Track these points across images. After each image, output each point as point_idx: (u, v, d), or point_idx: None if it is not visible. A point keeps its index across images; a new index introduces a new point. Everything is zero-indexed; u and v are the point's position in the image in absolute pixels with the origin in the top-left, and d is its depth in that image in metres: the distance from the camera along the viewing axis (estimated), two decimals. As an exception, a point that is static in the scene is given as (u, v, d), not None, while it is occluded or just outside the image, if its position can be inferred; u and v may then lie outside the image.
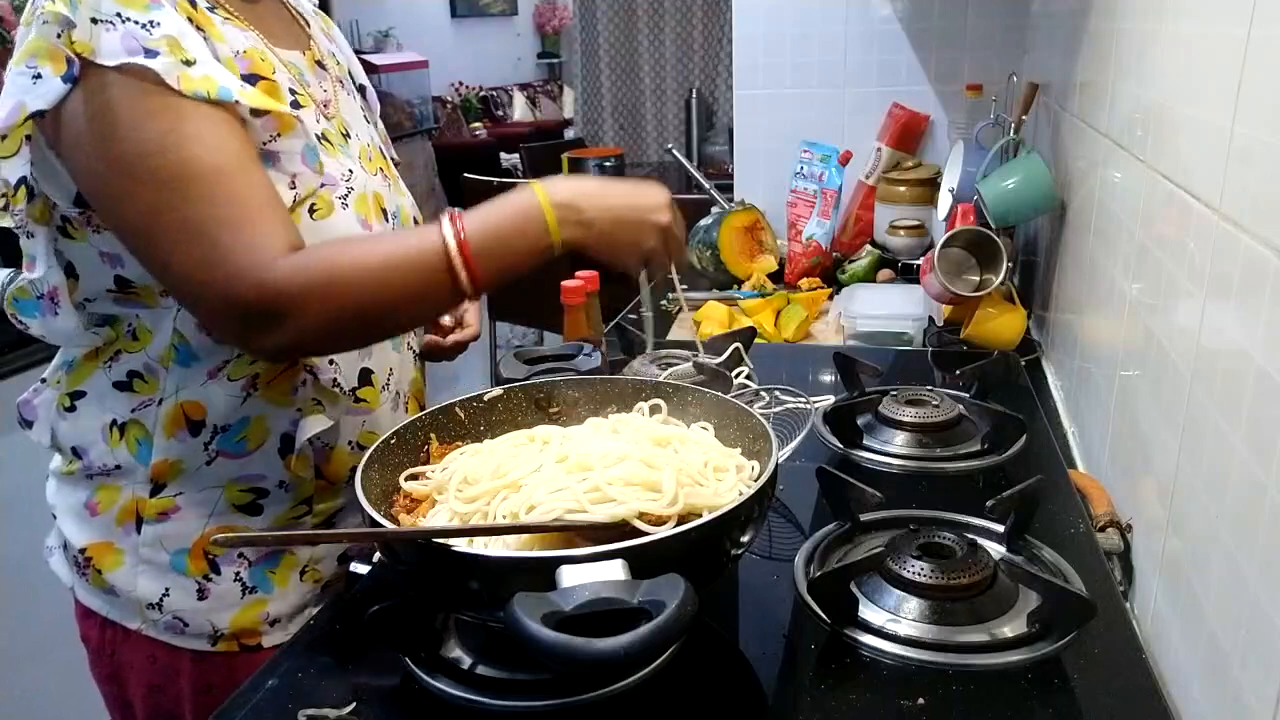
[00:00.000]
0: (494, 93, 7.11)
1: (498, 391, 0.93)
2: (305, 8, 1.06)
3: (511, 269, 0.85)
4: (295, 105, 0.89)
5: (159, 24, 0.78)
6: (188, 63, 0.79)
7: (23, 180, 0.80)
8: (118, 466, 0.92)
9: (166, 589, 0.92)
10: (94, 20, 0.76)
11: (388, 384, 1.02)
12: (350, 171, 0.94)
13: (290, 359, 0.91)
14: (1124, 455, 1.01)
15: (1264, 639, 0.61)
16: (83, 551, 0.94)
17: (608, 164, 3.74)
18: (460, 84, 6.90)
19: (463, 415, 0.92)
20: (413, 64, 6.43)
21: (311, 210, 0.89)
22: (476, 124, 6.84)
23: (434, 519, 0.77)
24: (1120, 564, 0.94)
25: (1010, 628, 0.78)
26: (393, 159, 1.16)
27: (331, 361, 0.93)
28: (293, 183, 0.86)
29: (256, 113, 0.83)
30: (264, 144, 0.85)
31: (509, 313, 3.66)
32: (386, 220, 0.99)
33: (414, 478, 0.84)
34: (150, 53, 0.77)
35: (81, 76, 0.76)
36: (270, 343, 0.81)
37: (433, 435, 0.89)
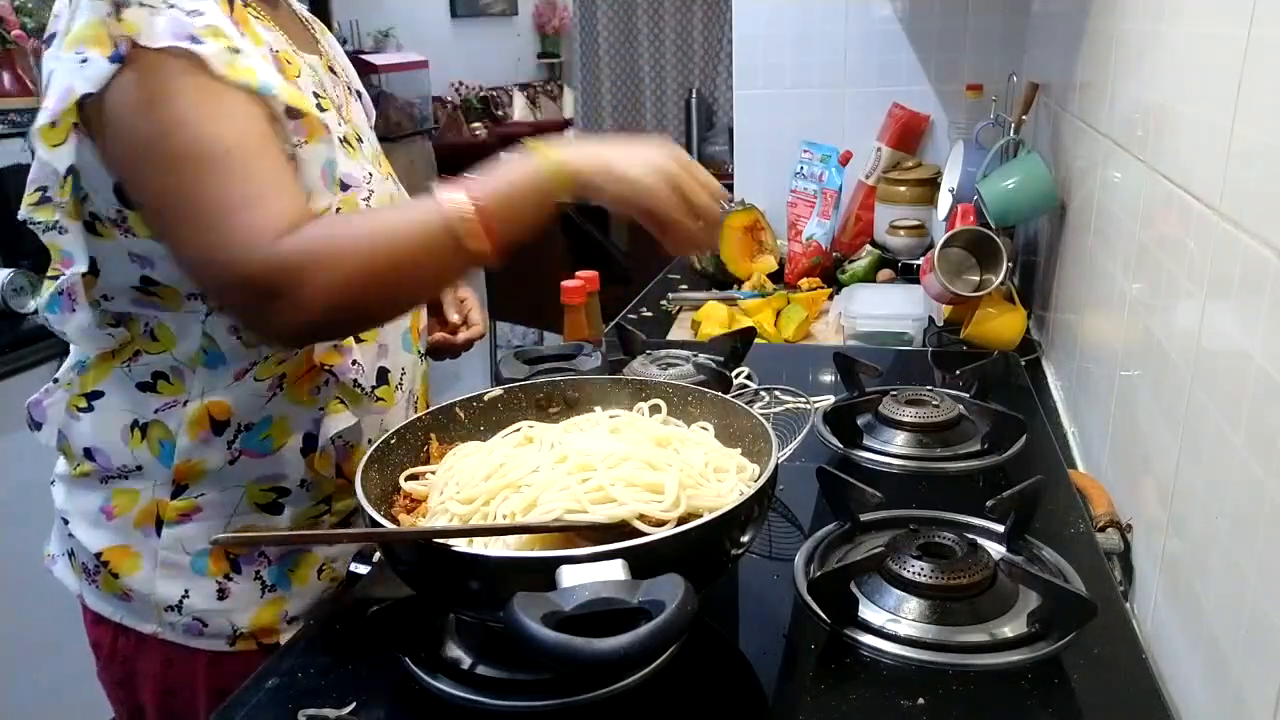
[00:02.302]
0: (494, 93, 7.11)
1: (498, 391, 0.93)
2: (307, 15, 1.06)
3: (520, 235, 0.83)
4: (319, 109, 0.89)
5: (203, 13, 0.79)
6: (233, 50, 0.79)
7: (71, 170, 0.80)
8: (138, 468, 0.92)
9: (186, 590, 0.92)
10: (141, 3, 0.76)
11: (401, 384, 1.02)
12: (370, 174, 0.95)
13: (304, 341, 0.89)
14: (1124, 455, 1.01)
15: (1264, 639, 0.61)
16: (98, 556, 0.93)
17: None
18: (460, 84, 6.90)
19: (463, 415, 0.92)
20: (413, 64, 6.43)
21: (337, 213, 0.89)
22: (476, 124, 6.84)
23: (434, 519, 0.77)
24: (1120, 564, 0.94)
25: (1010, 628, 0.78)
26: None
27: (355, 362, 0.93)
28: (307, 199, 0.85)
29: (291, 112, 0.83)
30: (294, 148, 0.85)
31: (509, 313, 3.66)
32: None
33: (414, 478, 0.84)
34: (196, 39, 0.77)
35: (129, 57, 0.76)
36: (278, 322, 0.79)
37: (433, 435, 0.89)
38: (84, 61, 0.76)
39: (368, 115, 1.11)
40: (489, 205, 0.80)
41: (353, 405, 0.94)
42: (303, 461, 0.93)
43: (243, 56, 0.80)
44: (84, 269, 0.85)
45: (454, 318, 1.16)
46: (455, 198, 0.79)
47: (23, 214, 0.83)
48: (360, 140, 0.98)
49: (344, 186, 0.90)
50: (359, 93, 1.10)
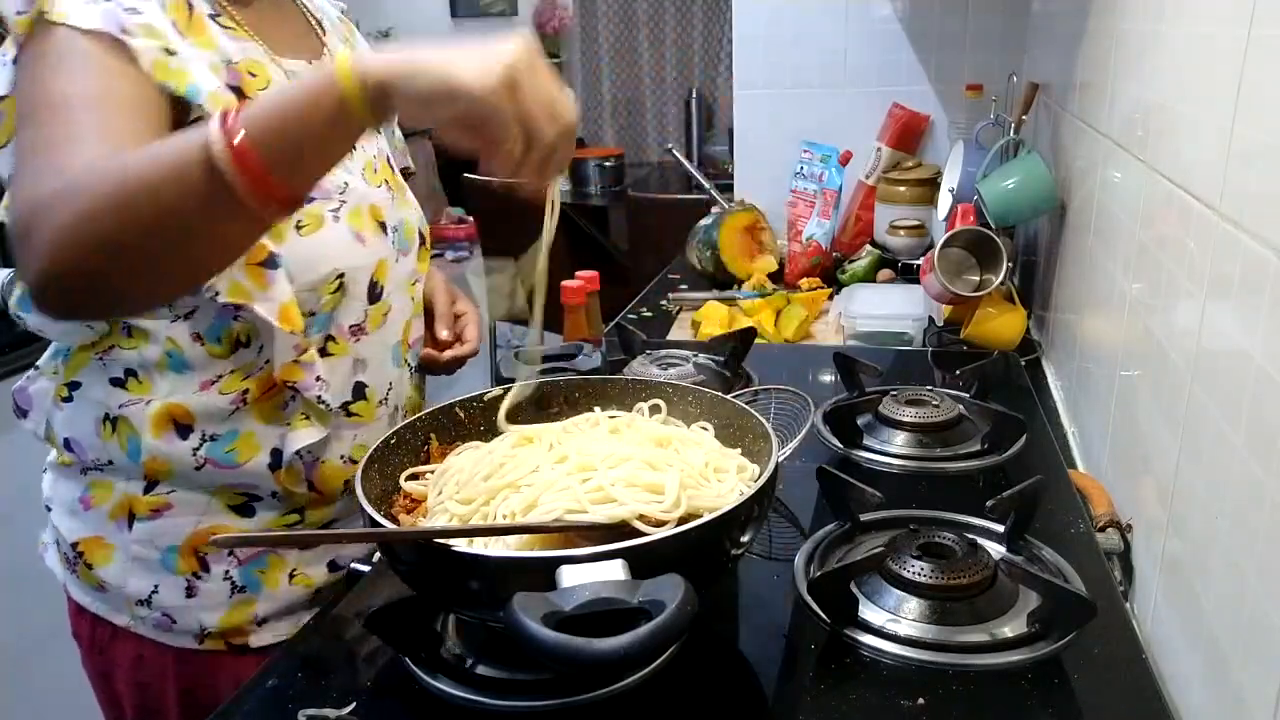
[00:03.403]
0: (494, 93, 7.11)
1: (498, 391, 0.93)
2: (329, 13, 1.05)
3: (312, 169, 0.68)
4: None
5: (141, 12, 0.78)
6: (168, 52, 0.78)
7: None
8: (110, 462, 0.91)
9: (156, 585, 0.92)
10: None
11: (385, 399, 1.00)
12: (345, 184, 0.92)
13: (51, 301, 0.72)
14: (1124, 455, 1.01)
15: (1264, 639, 0.61)
16: (75, 546, 0.94)
17: (608, 163, 3.74)
18: (460, 84, 6.91)
19: (463, 415, 0.92)
20: (413, 64, 6.44)
21: (298, 226, 0.87)
22: (476, 124, 6.83)
23: (434, 519, 0.77)
24: (1120, 564, 0.94)
25: (1010, 628, 0.78)
26: (406, 169, 1.15)
27: (319, 378, 0.90)
28: None
29: None
30: None
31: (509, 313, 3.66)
32: (385, 233, 0.97)
33: (414, 478, 0.84)
34: (128, 32, 0.76)
35: (39, 35, 0.75)
36: (23, 274, 0.69)
37: (433, 435, 0.89)
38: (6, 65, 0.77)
39: None
40: (258, 132, 0.63)
41: (319, 421, 0.92)
42: (270, 475, 0.92)
43: (176, 60, 0.78)
44: None
45: (443, 335, 1.11)
46: (216, 125, 0.64)
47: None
48: (353, 146, 0.95)
49: (307, 199, 0.82)
50: None
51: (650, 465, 0.75)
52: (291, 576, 0.97)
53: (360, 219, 0.94)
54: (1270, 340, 0.62)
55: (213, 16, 0.86)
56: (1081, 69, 1.36)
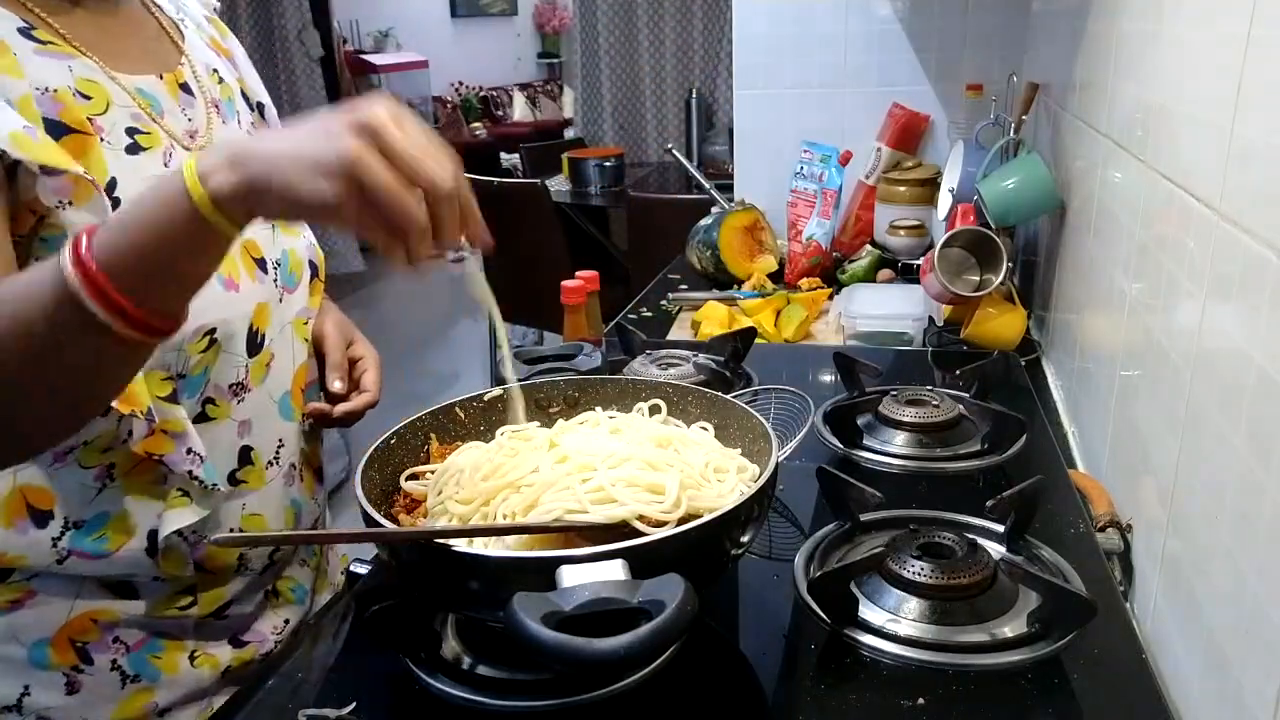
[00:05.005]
0: (494, 93, 7.11)
1: (498, 391, 0.93)
2: (193, 14, 0.93)
3: (178, 275, 0.60)
4: (135, 149, 0.76)
5: None
6: None
7: None
8: None
9: (26, 687, 0.80)
10: None
11: (276, 458, 0.90)
12: None
13: None
14: (1124, 455, 1.01)
15: (1264, 639, 0.61)
16: None
17: (608, 163, 3.75)
18: (460, 84, 6.91)
19: (463, 415, 0.91)
20: (413, 64, 6.45)
21: None
22: (476, 124, 6.84)
23: (434, 519, 0.77)
24: (1120, 564, 0.94)
25: (1010, 628, 0.78)
26: None
27: (190, 451, 0.79)
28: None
29: (47, 169, 0.68)
30: (54, 208, 0.69)
31: (509, 313, 3.67)
32: (265, 271, 0.87)
33: (414, 478, 0.84)
34: None
35: None
36: None
37: (433, 435, 0.89)
38: None
39: (272, 129, 0.96)
40: (115, 263, 0.57)
41: (198, 499, 0.81)
42: (149, 562, 0.81)
43: None
44: None
45: (335, 386, 0.96)
46: (68, 260, 0.58)
47: None
48: None
49: None
50: (259, 105, 0.95)
51: (650, 465, 0.75)
52: (193, 659, 0.87)
53: (230, 262, 0.82)
54: (1270, 340, 0.62)
55: (25, 31, 0.73)
56: (1081, 69, 1.36)
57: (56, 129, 0.72)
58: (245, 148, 0.58)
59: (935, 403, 1.16)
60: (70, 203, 0.70)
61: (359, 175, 0.55)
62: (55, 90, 0.73)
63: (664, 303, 1.84)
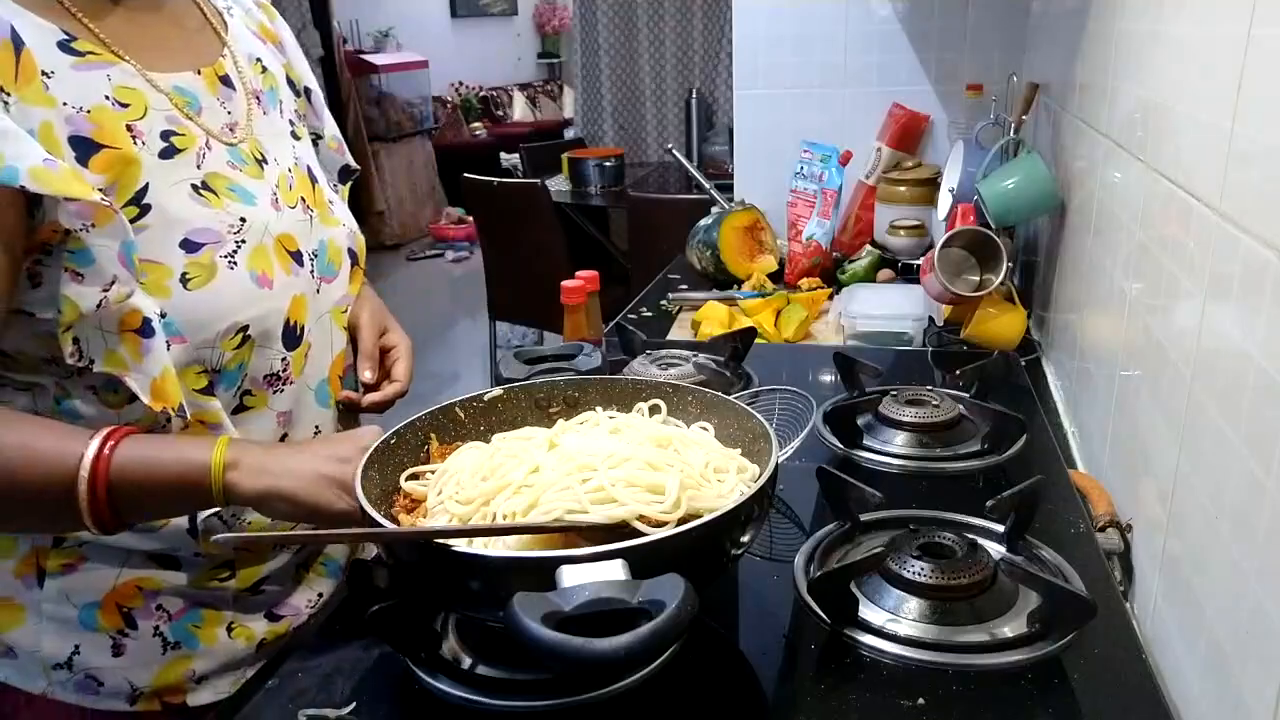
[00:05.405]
0: (494, 93, 7.12)
1: (498, 391, 0.93)
2: (242, 1, 0.94)
3: (160, 514, 0.79)
4: (169, 152, 0.78)
5: None
6: None
7: None
8: None
9: (76, 646, 0.85)
10: None
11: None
12: (242, 220, 0.82)
13: None
14: (1124, 455, 1.01)
15: (1264, 639, 0.61)
16: None
17: (608, 164, 3.75)
18: (460, 84, 6.91)
19: (463, 415, 0.91)
20: (413, 64, 6.45)
21: (184, 280, 0.77)
22: (476, 124, 6.85)
23: (434, 519, 0.77)
24: (1120, 564, 0.94)
25: (1010, 628, 0.78)
26: (346, 168, 1.06)
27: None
28: (107, 287, 0.73)
29: (68, 198, 0.70)
30: (77, 231, 0.72)
31: (509, 313, 3.67)
32: (301, 264, 0.88)
33: (414, 478, 0.84)
34: None
35: None
36: None
37: (433, 435, 0.89)
38: None
39: (317, 113, 1.00)
40: (124, 488, 0.72)
41: None
42: (192, 541, 0.85)
43: None
44: None
45: (366, 376, 0.98)
46: (87, 456, 0.71)
47: None
48: (263, 163, 0.86)
49: (192, 247, 0.78)
50: (306, 90, 0.97)
51: (651, 465, 0.75)
52: (230, 630, 0.89)
53: (264, 258, 0.83)
54: (1270, 340, 0.62)
55: (65, 44, 0.74)
56: (1081, 69, 1.36)
57: (87, 148, 0.73)
58: (260, 464, 0.75)
59: (935, 403, 1.16)
60: (92, 225, 0.72)
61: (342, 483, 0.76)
62: (89, 110, 0.74)
63: (664, 303, 1.84)
